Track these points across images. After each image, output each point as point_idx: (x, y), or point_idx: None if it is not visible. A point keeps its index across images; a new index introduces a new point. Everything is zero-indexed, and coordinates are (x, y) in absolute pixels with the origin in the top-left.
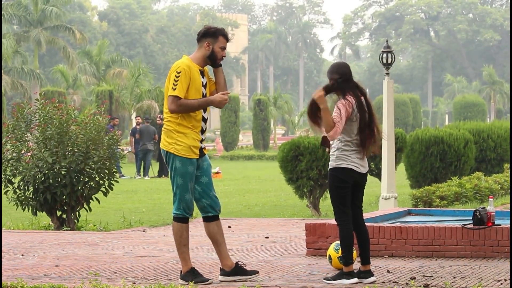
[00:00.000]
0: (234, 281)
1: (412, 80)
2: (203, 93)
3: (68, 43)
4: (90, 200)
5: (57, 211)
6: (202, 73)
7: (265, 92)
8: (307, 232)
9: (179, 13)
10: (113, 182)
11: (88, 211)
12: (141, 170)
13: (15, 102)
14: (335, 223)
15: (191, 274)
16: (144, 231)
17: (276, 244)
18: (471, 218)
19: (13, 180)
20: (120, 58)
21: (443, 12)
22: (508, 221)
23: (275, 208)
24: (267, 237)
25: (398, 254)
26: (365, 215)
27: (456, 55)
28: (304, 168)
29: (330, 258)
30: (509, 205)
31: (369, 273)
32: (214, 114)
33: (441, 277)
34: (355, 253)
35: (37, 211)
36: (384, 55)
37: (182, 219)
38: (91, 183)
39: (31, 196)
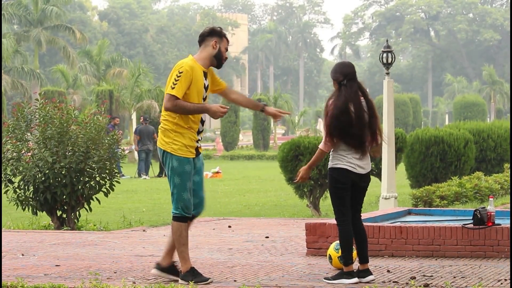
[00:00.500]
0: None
1: (412, 80)
2: (203, 95)
3: (68, 43)
4: (91, 200)
5: (57, 211)
6: (205, 75)
7: (265, 92)
8: (307, 232)
9: (179, 13)
10: (114, 182)
11: (89, 211)
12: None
13: (15, 102)
14: (335, 223)
15: (191, 274)
16: (144, 230)
17: (276, 244)
18: (471, 218)
19: (13, 179)
20: (120, 58)
21: (443, 12)
22: (508, 221)
23: (275, 208)
24: (267, 237)
25: (398, 254)
26: (365, 215)
27: (456, 55)
28: None
29: (330, 257)
30: (509, 205)
31: (367, 272)
32: None
33: (441, 277)
34: (355, 253)
35: (37, 211)
36: (384, 55)
37: (181, 218)
38: (91, 183)
39: (31, 195)
